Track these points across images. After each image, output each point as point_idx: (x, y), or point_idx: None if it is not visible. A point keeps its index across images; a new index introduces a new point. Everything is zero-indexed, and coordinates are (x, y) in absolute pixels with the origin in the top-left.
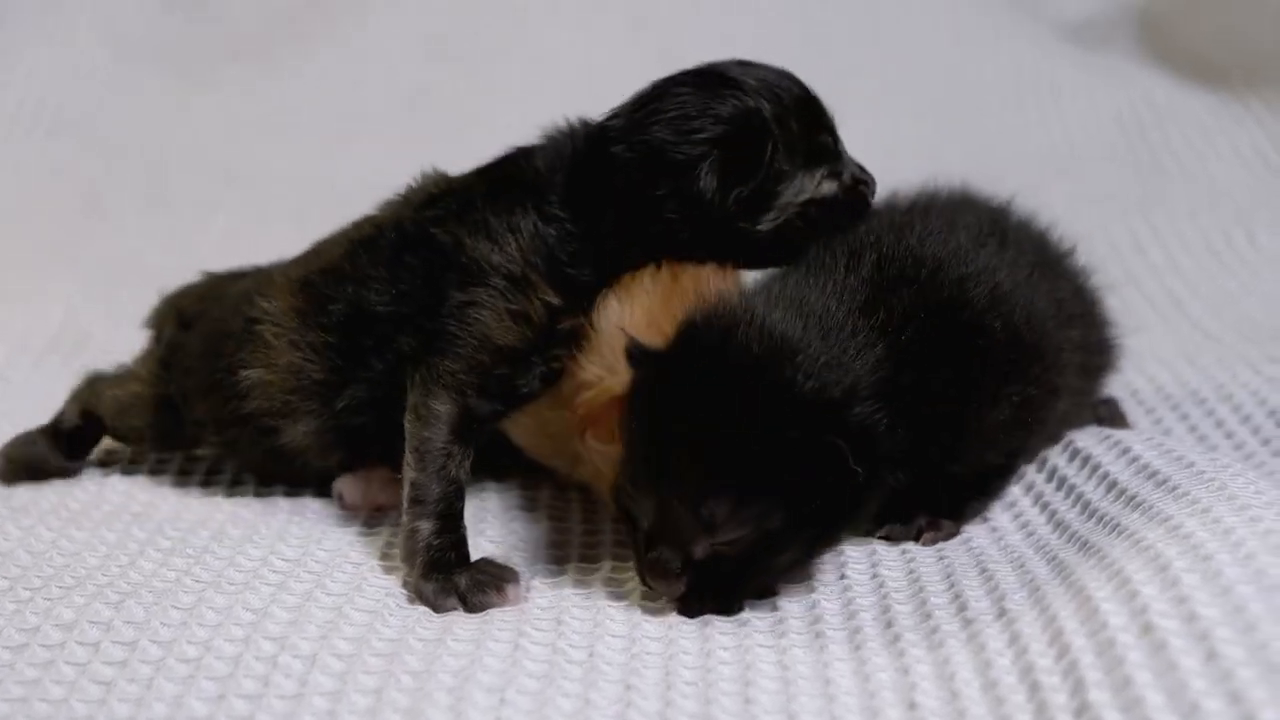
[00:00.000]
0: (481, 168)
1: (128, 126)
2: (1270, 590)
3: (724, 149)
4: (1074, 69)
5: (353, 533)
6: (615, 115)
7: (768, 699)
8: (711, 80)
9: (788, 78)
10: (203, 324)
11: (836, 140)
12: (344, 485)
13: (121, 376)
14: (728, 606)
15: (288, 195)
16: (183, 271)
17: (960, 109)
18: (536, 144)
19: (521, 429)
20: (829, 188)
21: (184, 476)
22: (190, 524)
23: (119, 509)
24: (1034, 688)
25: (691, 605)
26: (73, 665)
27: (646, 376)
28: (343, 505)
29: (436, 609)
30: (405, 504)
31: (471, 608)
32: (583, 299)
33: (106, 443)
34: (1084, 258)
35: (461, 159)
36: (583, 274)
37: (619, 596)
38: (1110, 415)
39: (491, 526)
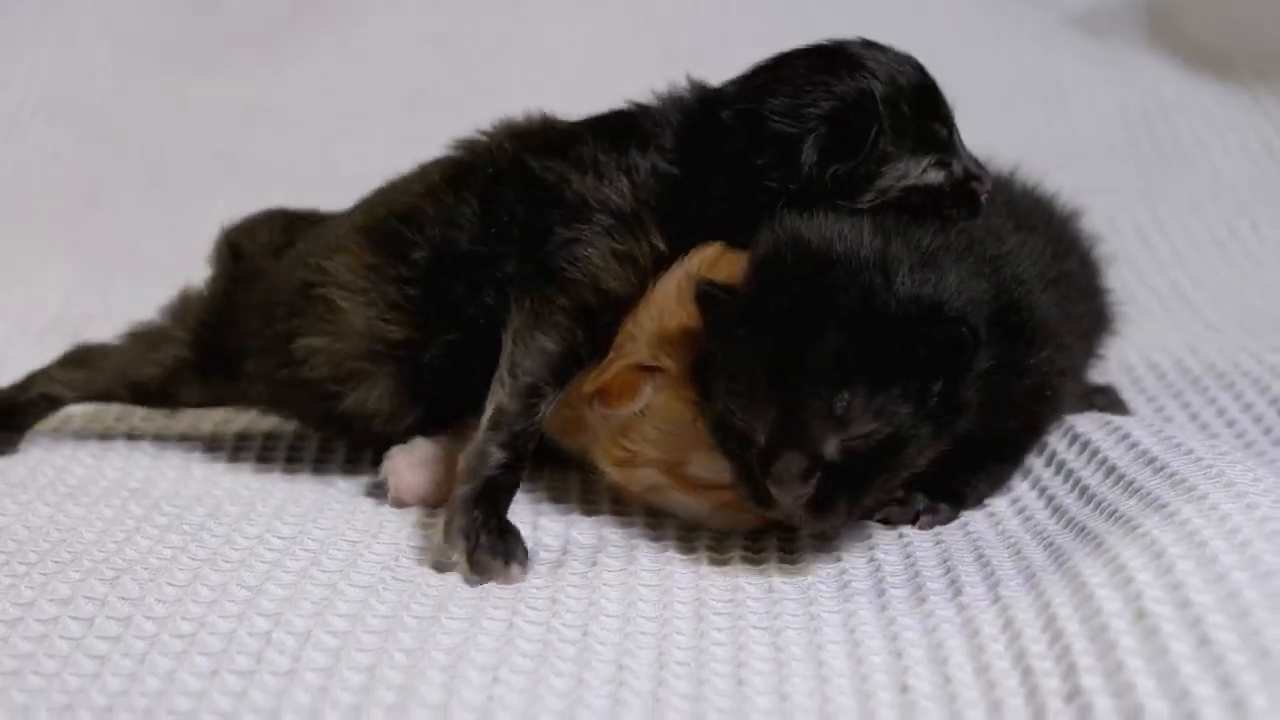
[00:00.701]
0: (589, 118)
1: (128, 116)
2: (1264, 577)
3: (829, 125)
4: (1079, 60)
5: (349, 510)
6: (732, 82)
7: (760, 680)
8: (829, 57)
9: (909, 63)
10: (258, 284)
11: (951, 131)
12: (394, 480)
13: (143, 338)
14: (857, 506)
15: (287, 186)
16: (181, 259)
17: (964, 100)
18: (651, 102)
19: None
20: (934, 176)
21: (184, 451)
22: (187, 500)
23: (116, 484)
24: (1026, 672)
25: (823, 508)
26: (67, 640)
27: (733, 308)
28: (392, 500)
29: (450, 539)
30: (485, 423)
31: (473, 565)
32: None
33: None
34: (1086, 222)
35: None
36: (689, 227)
37: (614, 575)
38: (1109, 403)
39: None
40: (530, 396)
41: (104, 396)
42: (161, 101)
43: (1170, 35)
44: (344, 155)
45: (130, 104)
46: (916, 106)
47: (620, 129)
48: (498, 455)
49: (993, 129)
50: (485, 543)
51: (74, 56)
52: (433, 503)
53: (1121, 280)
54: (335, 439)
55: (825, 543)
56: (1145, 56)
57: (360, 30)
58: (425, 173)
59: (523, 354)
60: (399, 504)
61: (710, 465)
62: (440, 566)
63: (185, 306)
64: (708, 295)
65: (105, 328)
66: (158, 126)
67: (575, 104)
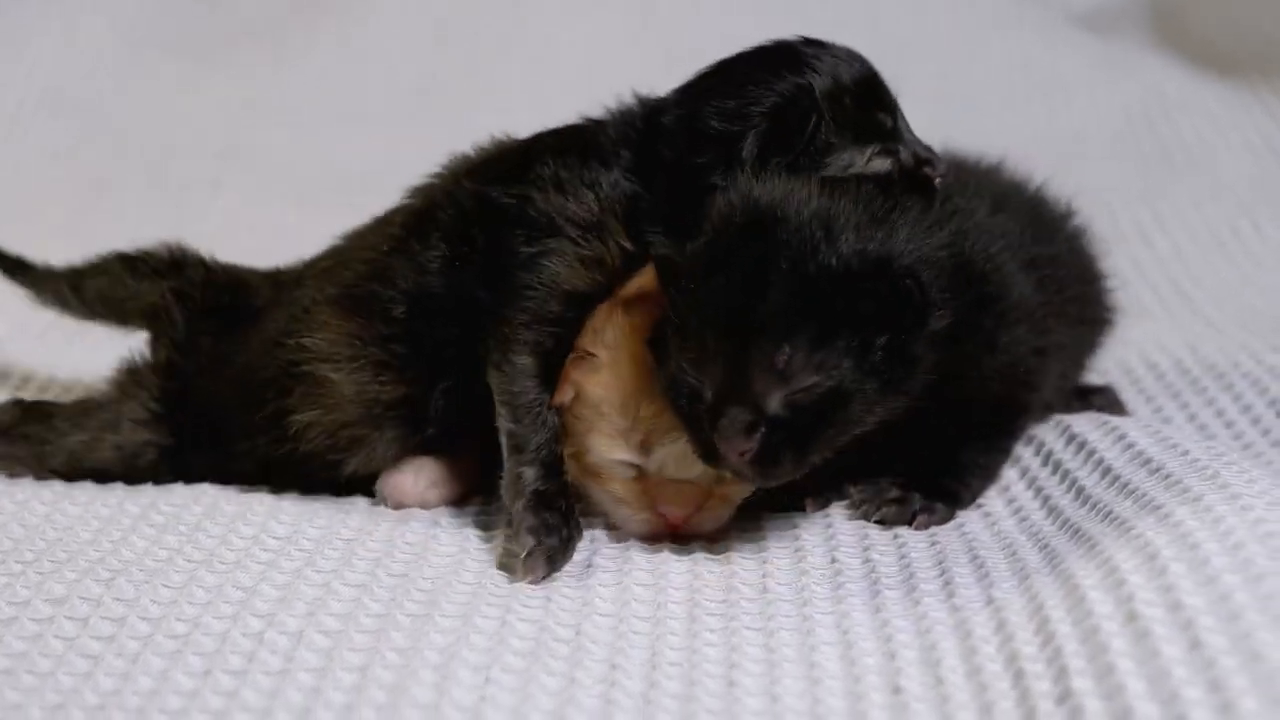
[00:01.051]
0: (543, 133)
1: (131, 113)
2: (1256, 580)
3: (769, 120)
4: (1083, 58)
5: (344, 509)
6: (675, 90)
7: (751, 681)
8: (768, 56)
9: (851, 56)
10: (227, 365)
11: (896, 120)
12: (389, 483)
13: (96, 417)
14: (803, 461)
15: (292, 180)
16: None
17: (968, 98)
18: (604, 116)
19: None
20: (880, 164)
21: None
22: (183, 500)
23: (113, 483)
24: (1018, 675)
25: (768, 462)
26: (61, 639)
27: (686, 268)
28: (389, 504)
29: (524, 543)
30: (506, 452)
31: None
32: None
33: None
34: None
35: (465, 144)
36: (654, 231)
37: (609, 575)
38: (1107, 404)
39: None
40: (530, 411)
41: (54, 476)
42: (164, 98)
43: (1174, 33)
44: (346, 152)
45: (132, 100)
46: (859, 98)
47: (579, 144)
48: (530, 473)
49: (996, 126)
50: (558, 543)
51: (77, 53)
52: (431, 500)
53: (1122, 278)
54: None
55: (770, 485)
56: (1149, 54)
57: (362, 27)
58: (384, 226)
59: (505, 380)
60: (398, 506)
61: (606, 457)
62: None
63: (135, 383)
64: (663, 258)
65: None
66: (160, 123)
67: (576, 102)
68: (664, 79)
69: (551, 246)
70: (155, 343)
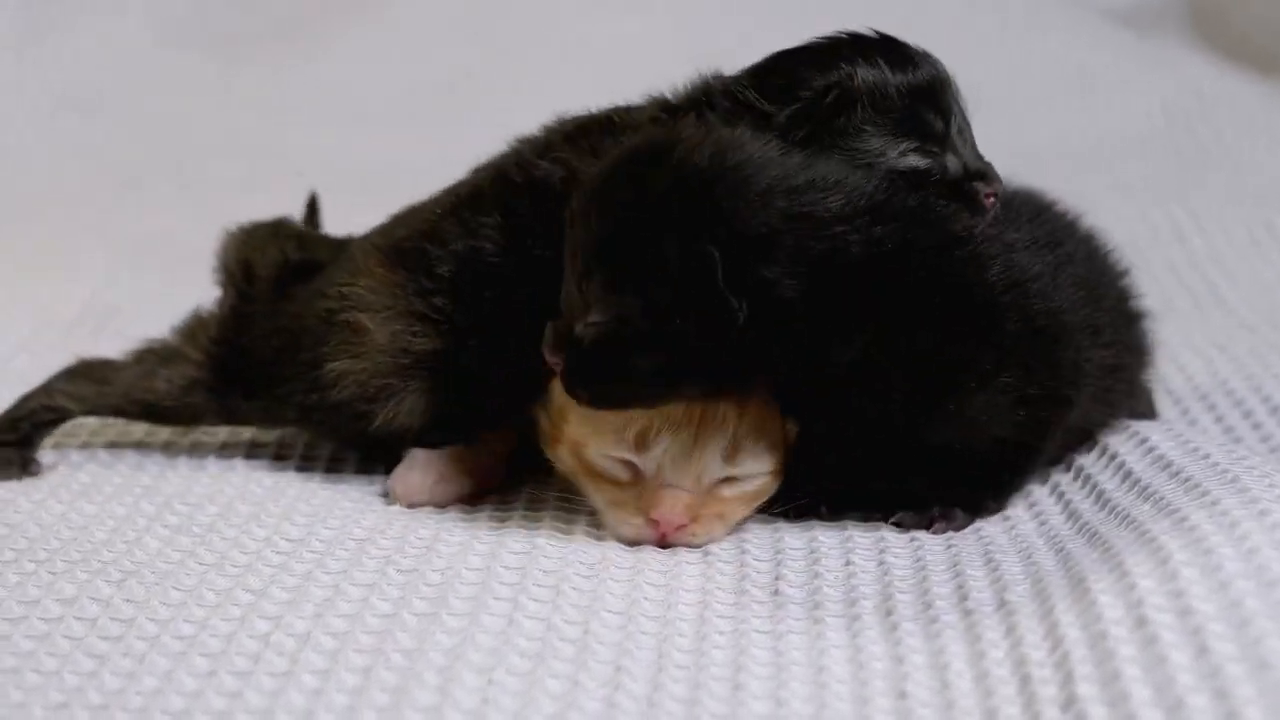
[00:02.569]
0: (613, 109)
1: (166, 107)
2: (1269, 586)
3: (808, 101)
4: (1120, 56)
5: (359, 509)
6: (742, 70)
7: (758, 685)
8: (829, 44)
9: (924, 60)
10: (278, 313)
11: (950, 127)
12: (397, 480)
13: (155, 354)
14: (594, 392)
15: (323, 175)
16: (212, 251)
17: (1005, 96)
18: (675, 90)
19: None
20: (915, 160)
21: (198, 448)
22: (199, 499)
23: (129, 481)
24: (1025, 680)
25: (574, 380)
26: (69, 639)
27: (593, 180)
28: (400, 502)
29: None
30: None
31: None
32: None
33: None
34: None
35: (497, 143)
36: None
37: (621, 571)
38: (1140, 407)
39: (495, 501)
40: None
41: (112, 412)
42: (194, 96)
43: (1213, 32)
44: (375, 149)
45: (162, 99)
46: (911, 96)
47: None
48: None
49: (1032, 123)
50: None
51: (107, 51)
52: (442, 500)
53: (1154, 277)
54: (370, 458)
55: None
56: (1187, 52)
57: (392, 26)
58: (444, 196)
59: None
60: (409, 504)
61: (605, 454)
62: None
63: (198, 326)
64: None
65: (134, 320)
66: (190, 121)
67: (606, 95)
68: (697, 69)
69: None
70: (224, 294)
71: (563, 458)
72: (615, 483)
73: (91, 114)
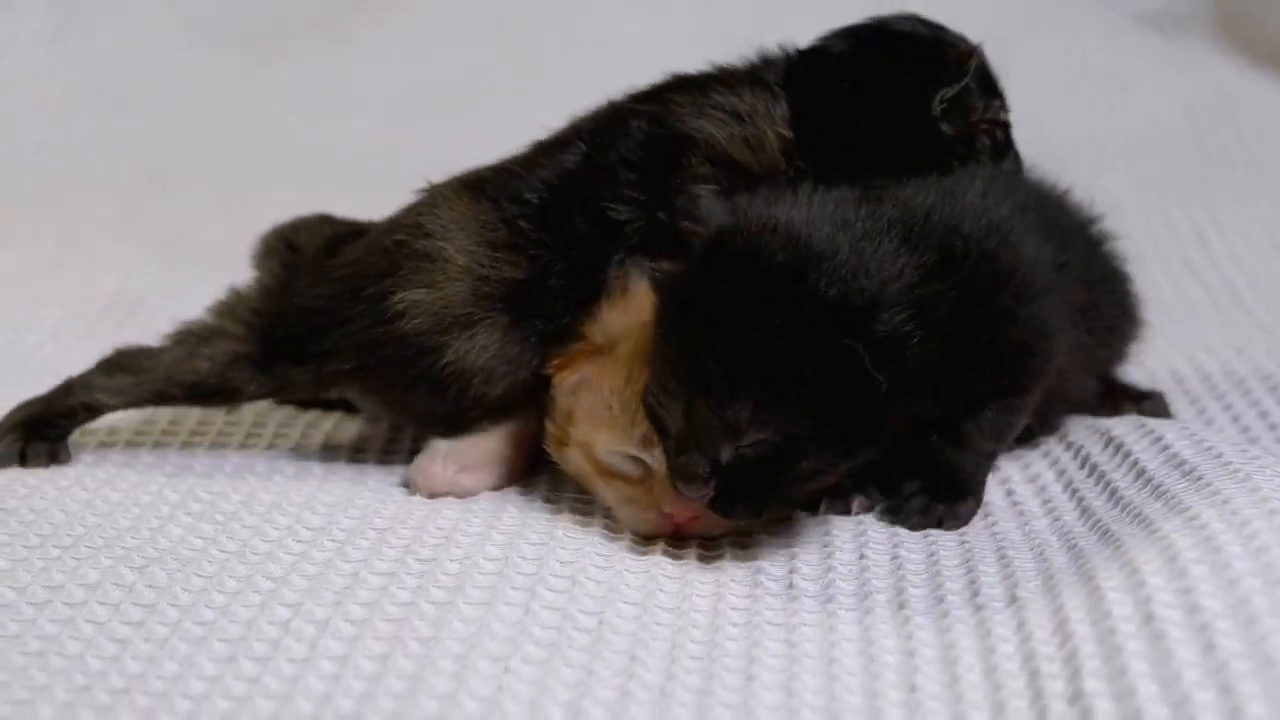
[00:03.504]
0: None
1: (195, 100)
2: (1276, 583)
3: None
4: (1146, 56)
5: (380, 498)
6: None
7: (769, 676)
8: (924, 24)
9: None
10: (331, 271)
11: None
12: (417, 470)
13: (192, 334)
14: (756, 509)
15: (349, 170)
16: (240, 244)
17: (1030, 95)
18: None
19: None
20: (1004, 114)
21: (222, 437)
22: (222, 488)
23: (153, 469)
24: (1033, 675)
25: (725, 507)
26: (92, 623)
27: (672, 290)
28: (420, 493)
29: None
30: None
31: None
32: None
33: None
34: (1106, 224)
35: (524, 137)
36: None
37: (637, 563)
38: (1155, 410)
39: (513, 492)
40: None
41: (154, 399)
42: (224, 90)
43: (1238, 32)
44: (404, 144)
45: (193, 92)
46: (984, 70)
47: (743, 76)
48: None
49: (1057, 123)
50: None
51: (139, 43)
52: (464, 490)
53: (1173, 277)
54: (415, 424)
55: (745, 538)
56: (1212, 54)
57: (422, 20)
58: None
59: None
60: (429, 494)
61: (615, 451)
62: None
63: (236, 301)
64: (658, 278)
65: (159, 312)
66: (220, 114)
67: (638, 83)
68: None
69: (711, 131)
70: (263, 270)
71: (571, 459)
72: (626, 479)
73: (120, 108)
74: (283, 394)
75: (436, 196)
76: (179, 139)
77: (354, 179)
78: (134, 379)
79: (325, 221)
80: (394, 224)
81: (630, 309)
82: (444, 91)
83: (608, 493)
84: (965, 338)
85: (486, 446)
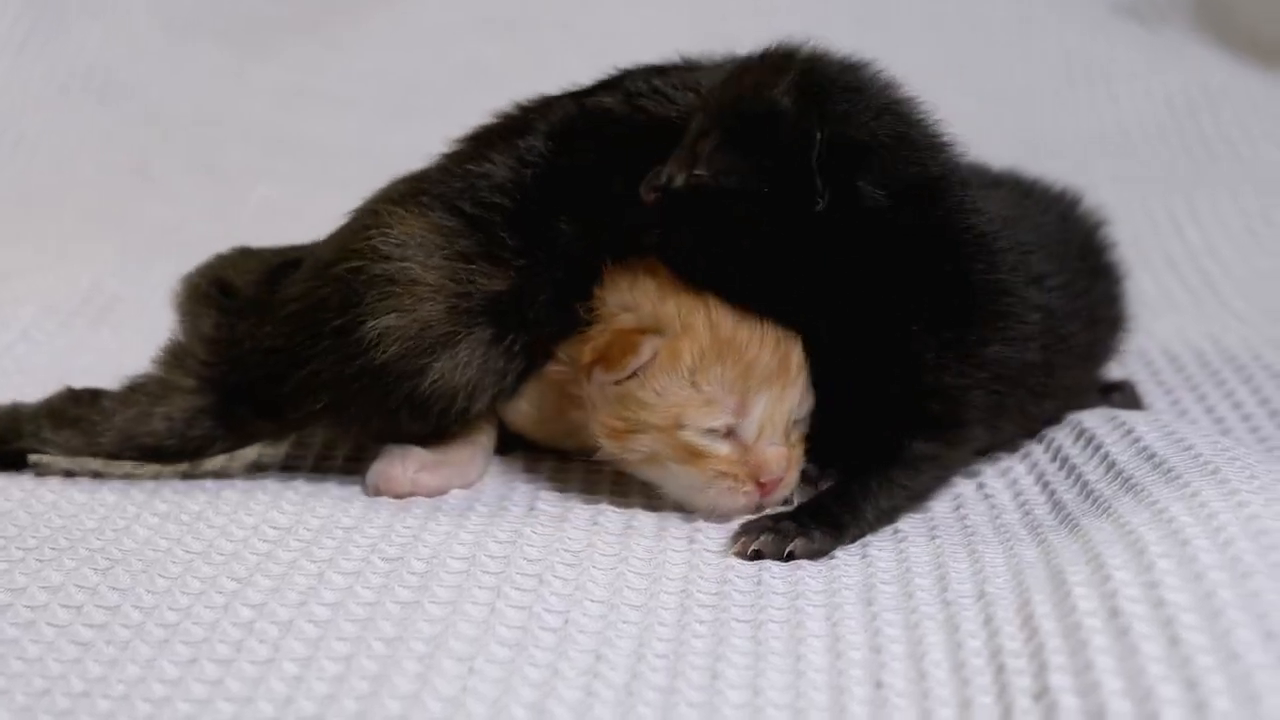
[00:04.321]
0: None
1: (179, 96)
2: (1242, 577)
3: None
4: (1128, 48)
5: (347, 499)
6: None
7: (735, 674)
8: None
9: None
10: (280, 308)
11: None
12: (376, 473)
13: (143, 392)
14: (665, 236)
15: (337, 167)
16: (223, 241)
17: (1011, 88)
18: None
19: (519, 412)
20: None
21: None
22: (188, 488)
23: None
24: (999, 670)
25: (658, 227)
26: (53, 626)
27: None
28: (377, 490)
29: None
30: None
31: None
32: None
33: None
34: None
35: None
36: None
37: (606, 560)
38: (1125, 400)
39: (484, 491)
40: None
41: (108, 458)
42: (209, 84)
43: (1219, 25)
44: (393, 140)
45: (178, 86)
46: None
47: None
48: None
49: (1038, 116)
50: None
51: (123, 38)
52: (426, 490)
53: (1150, 268)
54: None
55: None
56: (1193, 45)
57: (411, 14)
58: (454, 146)
59: None
60: (387, 494)
61: (706, 427)
62: None
63: (181, 353)
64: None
65: (134, 310)
66: (207, 108)
67: None
68: None
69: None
70: (199, 318)
71: (641, 446)
72: (713, 455)
73: (101, 103)
74: (249, 443)
75: (382, 216)
76: (161, 135)
77: (340, 175)
78: (85, 439)
79: (249, 255)
80: (342, 250)
81: (660, 283)
82: (433, 87)
83: (693, 475)
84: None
85: (445, 447)
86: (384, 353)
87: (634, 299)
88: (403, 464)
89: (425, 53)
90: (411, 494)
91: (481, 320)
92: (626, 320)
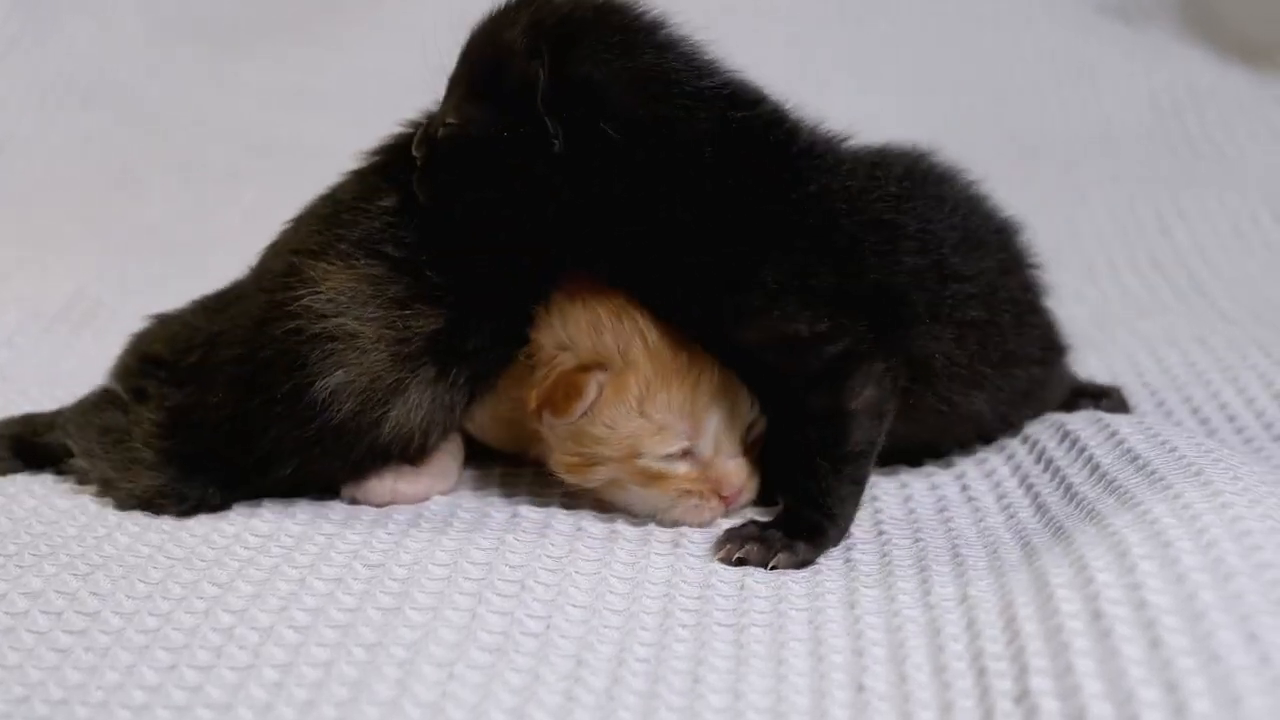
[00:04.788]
0: None
1: (162, 99)
2: (1224, 579)
3: None
4: (1113, 47)
5: (327, 505)
6: None
7: (716, 678)
8: None
9: None
10: (214, 373)
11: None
12: (356, 489)
13: (111, 462)
14: (427, 182)
15: (319, 169)
16: (206, 244)
17: (997, 86)
18: None
19: (477, 424)
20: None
21: None
22: None
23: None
24: (981, 673)
25: (419, 175)
26: (33, 633)
27: None
28: (355, 500)
29: None
30: None
31: None
32: None
33: None
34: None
35: None
36: None
37: (589, 564)
38: (1114, 406)
39: (467, 499)
40: None
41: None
42: (194, 87)
43: (1204, 24)
44: (378, 136)
45: (163, 89)
46: None
47: None
48: None
49: (1024, 114)
50: None
51: (108, 41)
52: (407, 498)
53: (1137, 269)
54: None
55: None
56: (1179, 44)
57: (394, 16)
58: (341, 188)
59: None
60: (369, 504)
61: (662, 454)
62: None
63: (135, 425)
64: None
65: (117, 315)
66: (191, 111)
67: None
68: None
69: None
70: (139, 393)
71: (599, 476)
72: (673, 476)
73: (86, 106)
74: (211, 512)
75: (307, 272)
76: (146, 138)
77: (325, 177)
78: (84, 447)
79: (167, 323)
80: (274, 308)
81: (591, 315)
82: (417, 88)
83: (658, 497)
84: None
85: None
86: (339, 411)
87: (569, 336)
88: (379, 476)
89: (408, 54)
90: (391, 503)
91: (424, 360)
92: (567, 360)
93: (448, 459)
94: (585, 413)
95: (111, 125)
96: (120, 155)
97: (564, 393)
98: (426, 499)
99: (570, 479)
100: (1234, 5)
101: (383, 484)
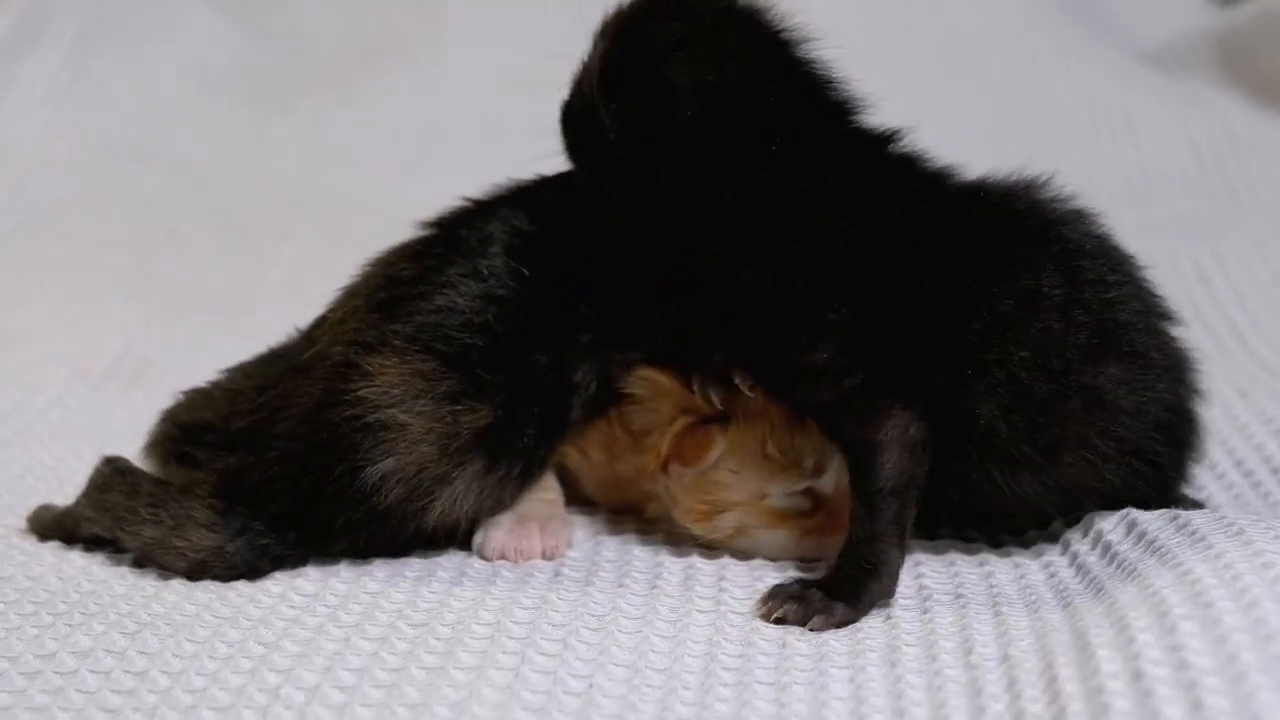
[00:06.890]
0: None
1: (207, 156)
2: (1266, 640)
3: None
4: (1151, 95)
5: (371, 566)
6: None
7: None
8: None
9: None
10: (268, 441)
11: None
12: (486, 533)
13: (166, 524)
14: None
15: (360, 224)
16: (251, 301)
17: (1036, 133)
18: None
19: (592, 483)
20: None
21: None
22: None
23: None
24: None
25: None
26: (82, 693)
27: None
28: (486, 556)
29: None
30: None
31: None
32: None
33: None
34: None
35: None
36: None
37: (631, 623)
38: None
39: None
40: None
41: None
42: (236, 144)
43: (1244, 74)
44: (416, 198)
45: (205, 147)
46: None
47: None
48: None
49: (1063, 162)
50: None
51: (152, 99)
52: (540, 549)
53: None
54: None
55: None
56: (1218, 93)
57: (432, 73)
58: (393, 263)
59: None
60: (500, 559)
61: (789, 492)
62: None
63: (189, 489)
64: None
65: (166, 373)
66: (232, 169)
67: None
68: None
69: None
70: (165, 461)
71: (726, 523)
72: (798, 515)
73: (132, 165)
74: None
75: (361, 366)
76: (191, 195)
77: (366, 233)
78: (116, 526)
79: (197, 394)
80: (332, 394)
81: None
82: (455, 144)
83: (784, 536)
84: None
85: (535, 516)
86: (386, 497)
87: (685, 398)
88: (507, 532)
89: (445, 111)
90: (524, 557)
91: (472, 454)
92: (680, 422)
93: (558, 522)
94: (714, 463)
95: (157, 184)
96: (163, 214)
97: (693, 446)
98: (568, 548)
99: (697, 529)
100: (1274, 54)
101: (511, 537)
